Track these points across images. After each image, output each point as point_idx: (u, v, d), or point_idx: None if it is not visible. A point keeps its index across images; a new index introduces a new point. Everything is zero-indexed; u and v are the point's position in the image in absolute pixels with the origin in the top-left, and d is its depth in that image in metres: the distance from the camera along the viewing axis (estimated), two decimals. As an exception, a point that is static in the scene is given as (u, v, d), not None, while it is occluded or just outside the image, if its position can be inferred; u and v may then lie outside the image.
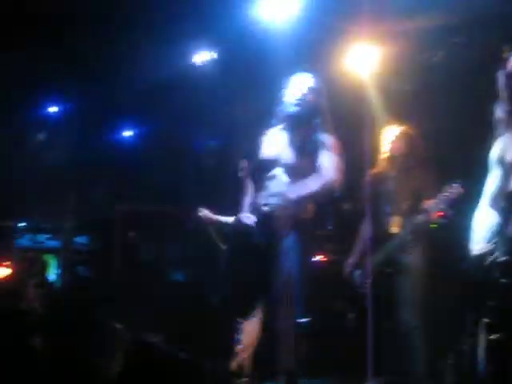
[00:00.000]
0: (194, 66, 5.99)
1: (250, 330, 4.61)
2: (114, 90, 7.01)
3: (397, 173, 4.69)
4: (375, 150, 4.78)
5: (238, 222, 4.20)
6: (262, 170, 4.06)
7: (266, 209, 3.93)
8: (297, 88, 3.97)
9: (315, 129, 3.98)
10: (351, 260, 4.89)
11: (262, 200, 4.03)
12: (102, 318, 5.03)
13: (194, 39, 5.87)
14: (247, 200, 4.31)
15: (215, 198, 5.81)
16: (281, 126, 4.11)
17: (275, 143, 4.09)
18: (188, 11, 5.35)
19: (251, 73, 5.61)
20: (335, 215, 6.39)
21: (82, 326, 4.66)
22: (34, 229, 10.35)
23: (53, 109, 8.60)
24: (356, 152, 4.50)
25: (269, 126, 4.15)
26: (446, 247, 4.84)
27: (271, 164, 4.02)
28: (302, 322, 3.96)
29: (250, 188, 4.32)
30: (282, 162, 4.00)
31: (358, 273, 4.79)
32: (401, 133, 4.74)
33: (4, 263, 8.57)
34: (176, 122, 7.23)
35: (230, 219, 4.79)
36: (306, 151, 3.96)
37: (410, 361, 4.40)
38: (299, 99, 3.94)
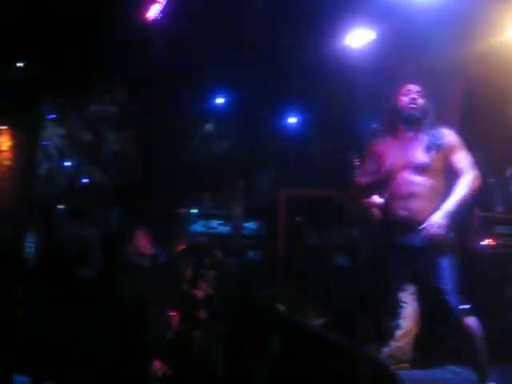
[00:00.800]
0: (354, 47, 5.88)
1: (410, 314, 4.53)
2: (278, 77, 7.13)
3: None
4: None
5: None
6: (391, 171, 4.08)
7: (403, 213, 3.97)
8: (409, 94, 4.09)
9: (434, 129, 4.06)
10: None
11: (396, 203, 4.03)
12: (268, 301, 5.18)
13: (352, 19, 5.78)
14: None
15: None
16: (399, 130, 4.16)
17: (399, 146, 4.12)
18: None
19: (413, 53, 5.44)
20: (505, 198, 6.07)
21: (251, 307, 4.81)
22: (206, 215, 10.87)
23: (220, 99, 8.93)
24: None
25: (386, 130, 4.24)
26: None
27: (400, 166, 4.04)
28: (466, 308, 3.85)
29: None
30: (412, 163, 4.02)
31: None
32: None
33: (179, 248, 9.10)
34: (339, 105, 7.20)
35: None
36: (432, 151, 4.00)
37: None
38: (414, 104, 4.07)
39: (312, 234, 8.80)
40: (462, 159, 3.98)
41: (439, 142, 3.99)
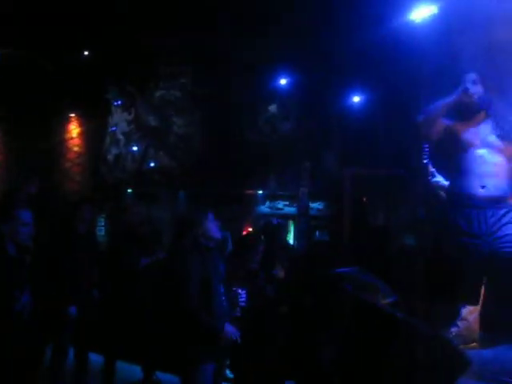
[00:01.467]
0: (415, 23, 5.76)
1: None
2: (342, 56, 7.10)
3: None
4: None
5: None
6: (461, 150, 4.21)
7: (482, 191, 4.06)
8: (470, 84, 4.24)
9: (495, 114, 4.22)
10: None
11: (473, 181, 4.04)
12: (333, 279, 5.21)
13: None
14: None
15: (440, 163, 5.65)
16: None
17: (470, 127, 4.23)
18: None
19: (473, 26, 5.31)
20: None
21: (315, 287, 4.85)
22: (272, 196, 10.92)
23: (283, 81, 8.95)
24: None
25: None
26: None
27: (470, 145, 4.18)
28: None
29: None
30: (484, 142, 4.12)
31: None
32: None
33: (248, 228, 9.22)
34: (402, 83, 7.10)
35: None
36: (501, 135, 4.16)
37: None
38: (474, 93, 4.21)
39: (378, 214, 8.77)
40: None
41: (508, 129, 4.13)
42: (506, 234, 4.03)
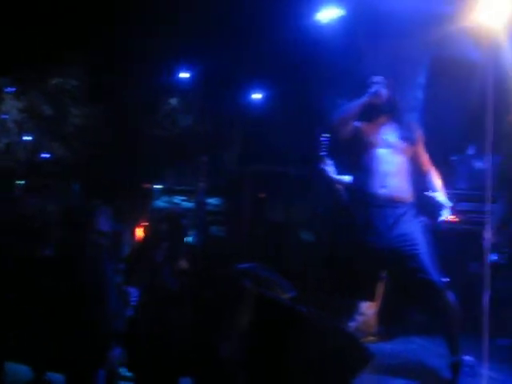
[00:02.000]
0: (321, 24, 5.86)
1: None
2: (243, 52, 7.08)
3: None
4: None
5: None
6: (365, 149, 4.32)
7: (383, 190, 4.16)
8: (379, 87, 4.28)
9: (399, 117, 4.35)
10: (489, 231, 4.81)
11: (374, 181, 4.20)
12: (233, 274, 5.20)
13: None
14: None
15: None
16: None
17: (375, 128, 4.34)
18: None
19: (379, 31, 5.48)
20: (469, 174, 6.19)
21: (214, 282, 4.81)
22: (169, 191, 10.80)
23: (184, 74, 8.85)
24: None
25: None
26: None
27: (373, 145, 4.29)
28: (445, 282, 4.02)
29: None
30: (386, 143, 4.26)
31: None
32: None
33: (143, 223, 9.04)
34: (305, 82, 7.20)
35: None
36: (400, 139, 4.28)
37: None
38: (381, 94, 4.28)
39: (276, 210, 8.85)
40: (425, 155, 4.34)
41: (411, 137, 4.29)
42: (405, 233, 4.15)
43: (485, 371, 4.03)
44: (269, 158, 8.52)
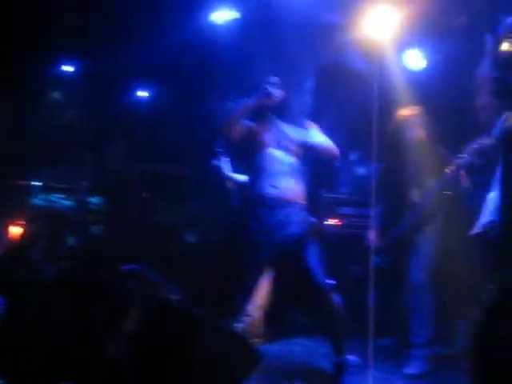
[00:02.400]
0: (213, 25, 5.86)
1: (261, 290, 4.65)
2: (130, 49, 6.94)
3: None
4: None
5: None
6: (257, 150, 4.36)
7: (273, 191, 4.20)
8: (271, 87, 4.36)
9: (291, 118, 4.44)
10: (373, 233, 5.00)
11: (265, 181, 4.25)
12: (118, 276, 5.08)
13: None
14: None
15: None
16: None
17: (267, 128, 4.41)
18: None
19: (272, 34, 5.55)
20: (351, 179, 6.42)
21: (97, 284, 4.69)
22: (47, 188, 10.40)
23: (68, 68, 8.56)
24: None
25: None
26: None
27: (265, 145, 4.34)
28: (332, 284, 4.13)
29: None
30: (278, 144, 4.31)
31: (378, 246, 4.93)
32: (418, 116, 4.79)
33: (18, 222, 8.66)
34: (193, 82, 7.17)
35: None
36: (294, 134, 4.38)
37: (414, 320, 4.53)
38: (272, 94, 4.35)
39: (162, 211, 8.74)
40: (322, 137, 4.42)
41: (305, 136, 4.37)
42: (293, 234, 4.21)
43: (368, 370, 4.19)
44: (156, 158, 8.39)
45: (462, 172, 4.53)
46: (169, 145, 8.26)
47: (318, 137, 4.40)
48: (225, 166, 4.93)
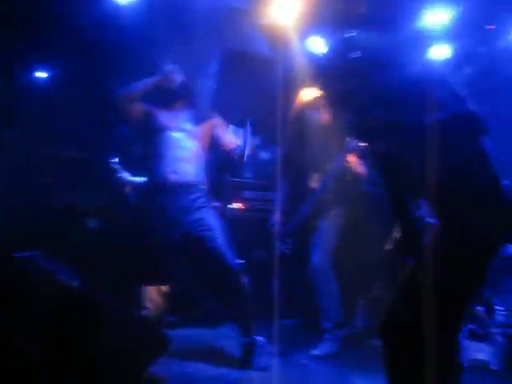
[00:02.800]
0: (117, 6, 5.69)
1: (166, 275, 4.61)
2: (28, 27, 6.65)
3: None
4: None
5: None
6: (156, 133, 4.34)
7: (174, 176, 4.19)
8: (170, 71, 4.37)
9: (193, 103, 4.45)
10: (276, 217, 5.08)
11: (166, 166, 4.21)
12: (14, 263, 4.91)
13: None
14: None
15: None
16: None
17: (168, 112, 4.40)
18: None
19: (177, 17, 5.48)
20: (255, 165, 6.45)
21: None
22: None
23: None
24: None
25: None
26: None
27: (165, 129, 4.32)
28: (241, 264, 4.16)
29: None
30: (180, 128, 4.31)
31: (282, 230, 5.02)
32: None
33: None
34: (95, 64, 6.96)
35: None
36: (195, 123, 4.38)
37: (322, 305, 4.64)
38: (174, 80, 4.36)
39: (62, 196, 8.49)
40: (226, 133, 4.42)
41: (200, 116, 4.38)
42: (198, 219, 4.19)
43: (275, 350, 4.28)
44: (58, 142, 8.11)
45: (353, 157, 4.60)
46: (72, 129, 8.01)
47: (218, 127, 4.42)
48: (124, 174, 4.84)
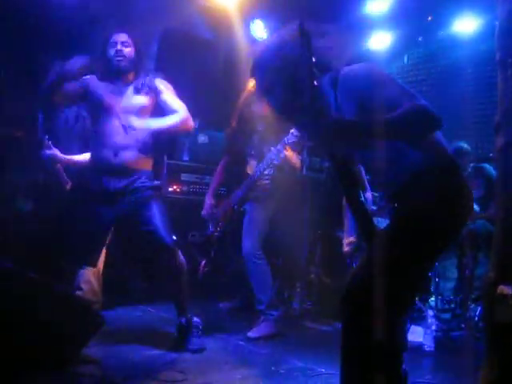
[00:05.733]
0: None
1: (99, 256, 4.56)
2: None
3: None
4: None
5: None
6: (99, 114, 4.20)
7: (114, 158, 4.09)
8: (115, 45, 4.20)
9: (143, 75, 4.27)
10: (209, 201, 5.10)
11: (108, 149, 4.13)
12: None
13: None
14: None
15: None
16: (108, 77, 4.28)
17: (106, 90, 4.23)
18: None
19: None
20: (192, 148, 6.43)
21: None
22: None
23: None
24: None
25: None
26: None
27: (110, 110, 4.17)
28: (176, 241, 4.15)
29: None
30: (122, 107, 4.15)
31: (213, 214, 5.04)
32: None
33: None
34: (34, 41, 6.74)
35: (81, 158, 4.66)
36: (141, 95, 4.21)
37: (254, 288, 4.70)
38: (121, 55, 4.19)
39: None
40: (174, 101, 4.22)
41: (147, 86, 4.20)
42: (137, 200, 4.12)
43: (211, 332, 4.32)
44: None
45: (290, 148, 4.65)
46: (4, 105, 7.75)
47: (165, 97, 4.27)
48: (53, 151, 4.70)
